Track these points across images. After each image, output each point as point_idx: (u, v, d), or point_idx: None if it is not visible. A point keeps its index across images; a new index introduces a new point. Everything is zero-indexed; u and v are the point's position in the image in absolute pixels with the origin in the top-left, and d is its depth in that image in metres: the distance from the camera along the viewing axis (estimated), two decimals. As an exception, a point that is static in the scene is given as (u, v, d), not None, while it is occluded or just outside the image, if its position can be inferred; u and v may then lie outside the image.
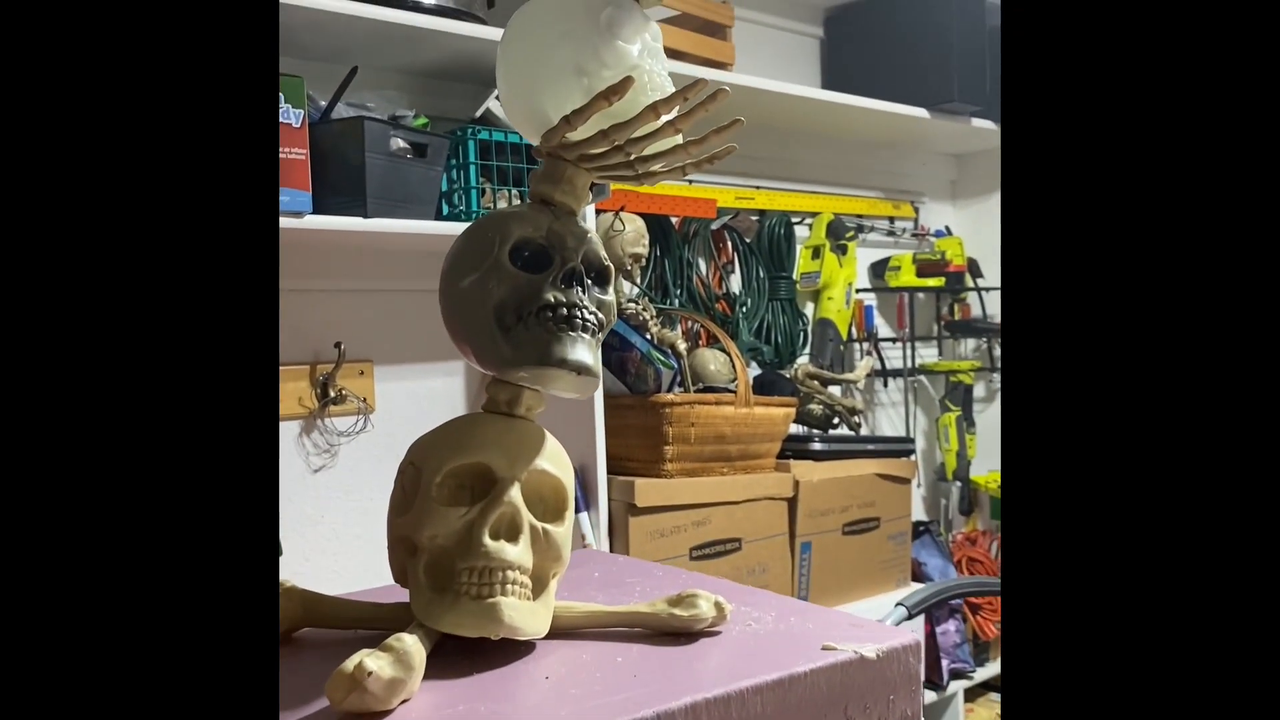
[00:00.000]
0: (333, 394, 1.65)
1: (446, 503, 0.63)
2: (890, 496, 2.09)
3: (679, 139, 0.67)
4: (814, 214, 2.37)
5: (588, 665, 0.60)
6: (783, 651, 0.61)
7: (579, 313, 0.64)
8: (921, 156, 2.67)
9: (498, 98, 1.68)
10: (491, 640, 0.61)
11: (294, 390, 1.63)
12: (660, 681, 0.56)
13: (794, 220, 2.30)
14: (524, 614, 0.61)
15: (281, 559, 1.58)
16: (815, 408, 2.15)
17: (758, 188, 2.26)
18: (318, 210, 1.40)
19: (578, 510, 1.66)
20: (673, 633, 0.65)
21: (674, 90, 0.68)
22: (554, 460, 0.66)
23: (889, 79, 2.27)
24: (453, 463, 0.63)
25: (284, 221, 1.36)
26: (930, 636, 2.23)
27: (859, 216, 2.49)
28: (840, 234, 2.35)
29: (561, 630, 0.66)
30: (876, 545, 2.07)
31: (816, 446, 1.99)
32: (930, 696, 2.23)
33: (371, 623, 0.68)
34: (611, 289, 0.69)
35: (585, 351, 0.64)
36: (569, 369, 0.62)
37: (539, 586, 0.64)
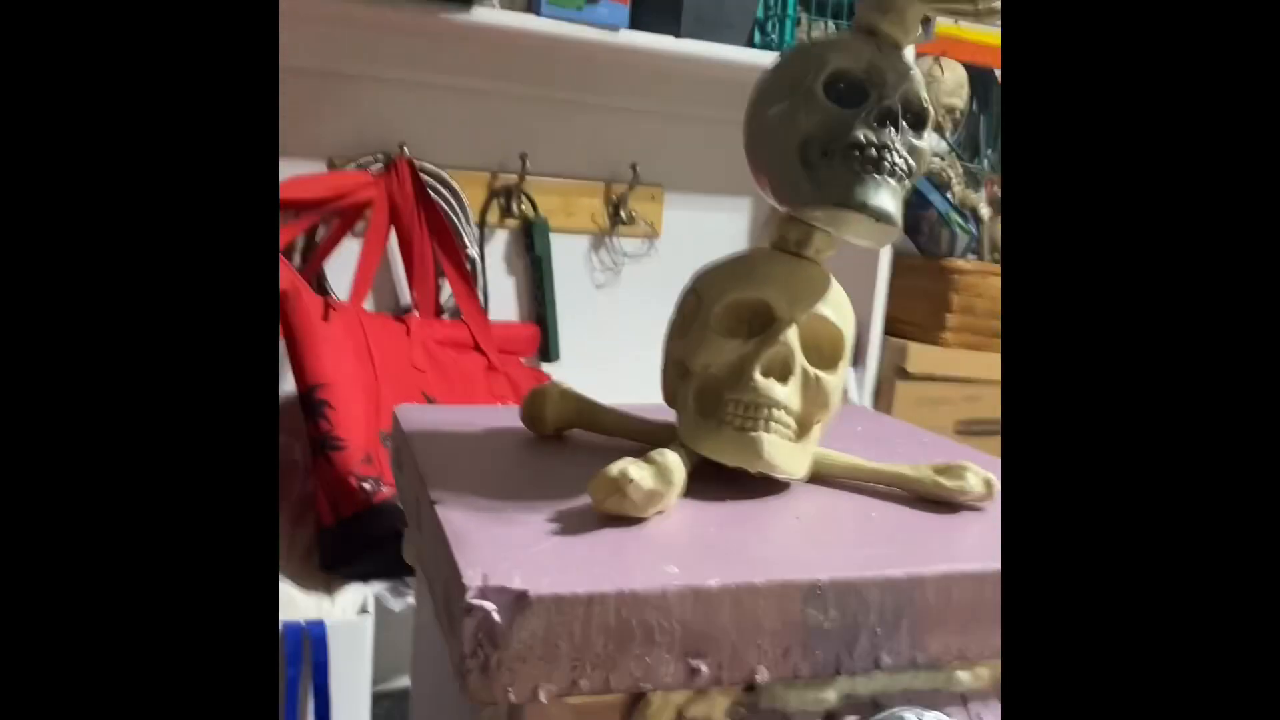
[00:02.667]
0: (623, 215, 1.69)
1: (724, 333, 0.63)
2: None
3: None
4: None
5: (841, 515, 0.60)
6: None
7: (888, 155, 0.61)
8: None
9: (829, -79, 1.58)
10: (749, 473, 0.62)
11: (587, 206, 1.68)
12: (914, 545, 0.55)
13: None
14: (784, 452, 0.61)
15: (560, 365, 1.68)
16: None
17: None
18: (634, 26, 1.40)
19: (846, 364, 1.64)
20: (935, 500, 0.62)
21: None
22: (836, 308, 0.64)
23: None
24: (734, 295, 0.63)
25: (600, 35, 1.38)
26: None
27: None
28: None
29: (820, 477, 0.65)
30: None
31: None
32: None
33: (637, 435, 0.71)
34: (928, 133, 0.65)
35: (889, 197, 0.60)
36: (869, 214, 0.59)
37: (803, 429, 0.64)
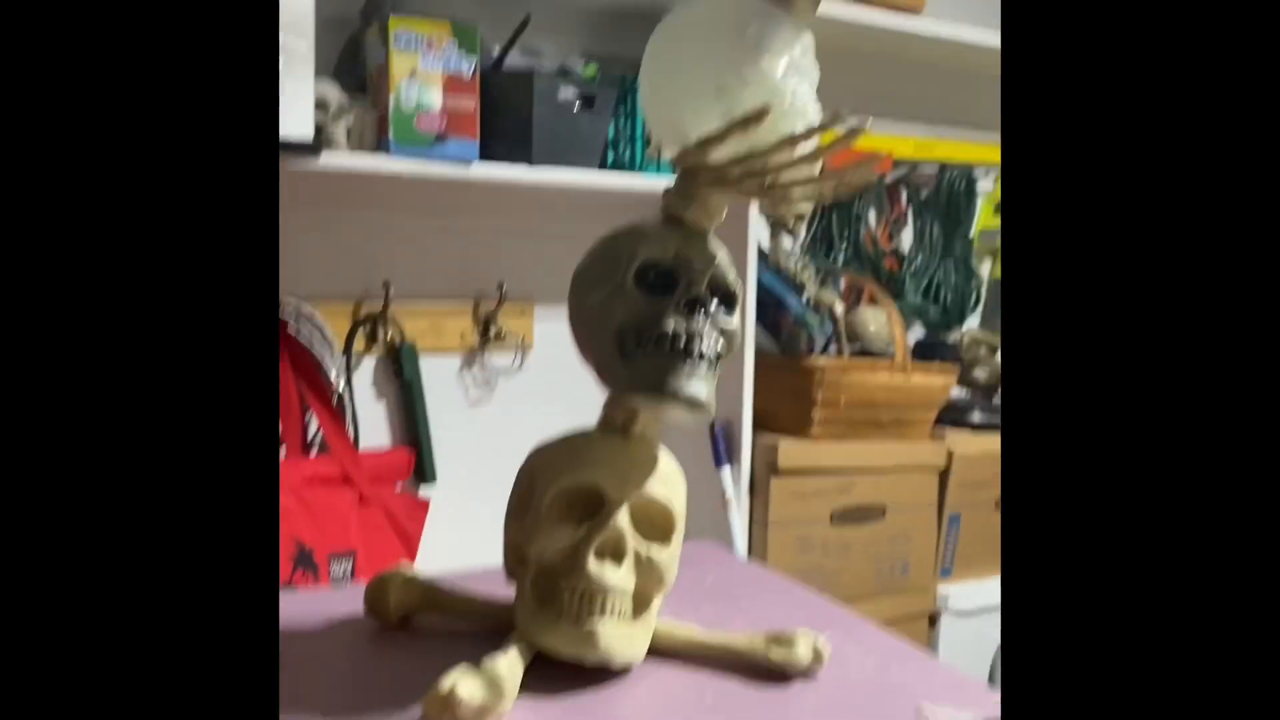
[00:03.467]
0: (493, 332, 1.70)
1: (556, 520, 0.65)
2: (1051, 473, 2.00)
3: (815, 170, 0.64)
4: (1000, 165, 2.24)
5: (677, 699, 0.62)
6: (876, 708, 0.60)
7: (698, 343, 0.64)
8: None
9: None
10: (587, 659, 0.63)
11: (456, 326, 1.69)
12: (743, 727, 0.57)
13: (975, 176, 2.18)
14: (621, 641, 0.63)
15: (436, 488, 1.67)
16: (981, 375, 2.07)
17: (939, 136, 2.15)
18: (484, 157, 1.43)
19: (720, 464, 1.67)
20: (766, 672, 0.65)
21: (815, 115, 0.66)
22: (666, 483, 0.67)
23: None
24: (565, 481, 0.65)
25: (452, 169, 1.40)
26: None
27: (1051, 170, 2.33)
28: (1027, 189, 2.21)
29: (659, 651, 0.67)
30: (1031, 522, 2.00)
31: (976, 418, 1.92)
32: None
33: (483, 619, 0.71)
34: (738, 313, 0.68)
35: (699, 384, 0.63)
36: (680, 403, 0.62)
37: (640, 606, 0.65)
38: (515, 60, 1.51)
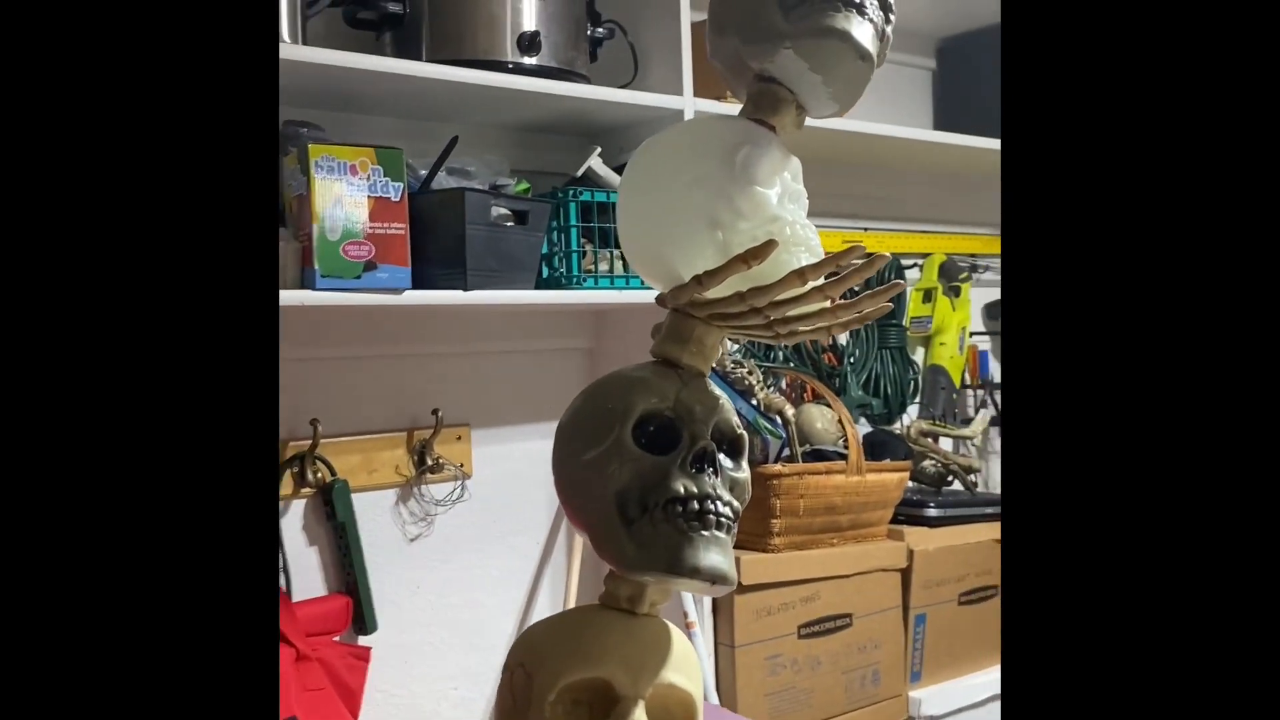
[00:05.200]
0: (430, 461, 1.61)
1: (562, 723, 0.56)
2: (1009, 562, 1.97)
3: (826, 303, 0.59)
4: (925, 255, 2.25)
5: None
6: None
7: (713, 506, 0.57)
8: (1040, 189, 2.52)
9: (600, 155, 1.62)
10: None
11: (391, 459, 1.59)
12: None
13: (905, 264, 2.19)
14: None
15: (377, 632, 1.54)
16: (929, 465, 2.04)
17: (865, 229, 2.15)
18: (416, 281, 1.36)
19: (680, 585, 1.58)
20: None
21: (819, 247, 0.60)
22: (682, 668, 0.59)
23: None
24: (569, 676, 0.56)
25: (383, 298, 1.32)
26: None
27: (972, 256, 2.35)
28: (953, 275, 2.23)
29: None
30: (994, 614, 1.95)
31: (931, 512, 1.88)
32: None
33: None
34: (745, 461, 0.61)
35: (719, 555, 0.56)
36: (702, 579, 0.55)
37: (664, 813, 0.57)
38: (443, 181, 1.45)
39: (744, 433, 0.61)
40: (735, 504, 0.58)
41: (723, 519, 0.57)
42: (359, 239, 1.30)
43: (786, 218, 0.59)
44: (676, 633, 0.61)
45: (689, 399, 0.60)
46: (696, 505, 0.56)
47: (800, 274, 0.56)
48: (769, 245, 0.55)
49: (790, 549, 1.66)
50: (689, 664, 0.60)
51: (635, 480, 0.57)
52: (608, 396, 0.60)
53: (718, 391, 0.61)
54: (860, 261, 0.54)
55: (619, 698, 0.56)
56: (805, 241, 0.60)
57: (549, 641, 0.59)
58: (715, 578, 0.55)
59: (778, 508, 1.62)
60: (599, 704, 0.56)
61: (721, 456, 0.59)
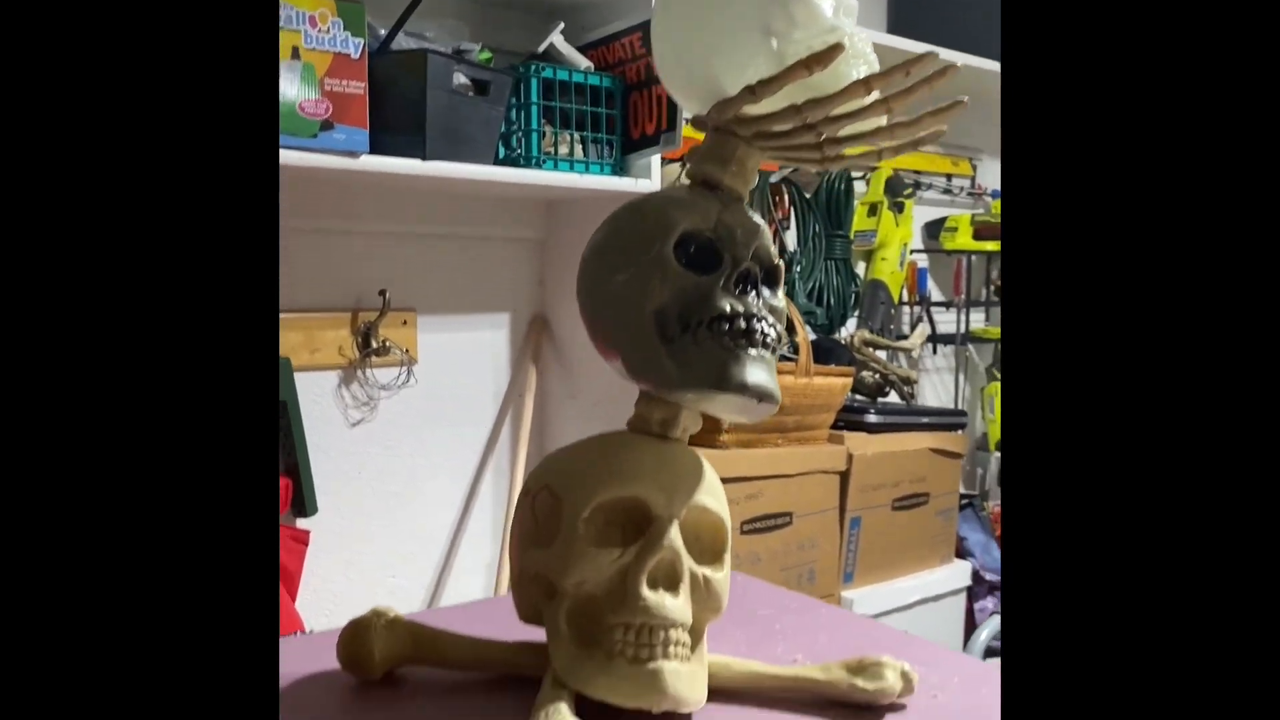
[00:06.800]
0: (375, 344, 1.55)
1: (595, 542, 0.54)
2: (941, 471, 2.01)
3: (883, 120, 0.56)
4: (872, 168, 2.25)
5: (763, 745, 0.52)
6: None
7: (759, 325, 0.54)
8: (983, 111, 2.53)
9: (563, 32, 1.56)
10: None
11: (334, 339, 1.53)
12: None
13: (854, 175, 2.19)
14: (687, 681, 0.52)
15: (317, 516, 1.50)
16: (868, 375, 2.06)
17: (818, 139, 2.14)
18: (374, 149, 1.29)
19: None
20: (851, 704, 0.56)
21: (876, 60, 0.58)
22: (714, 494, 0.57)
23: (959, 24, 2.13)
24: (602, 495, 0.54)
25: (339, 161, 1.25)
26: (969, 613, 2.18)
27: (916, 172, 2.37)
28: (898, 190, 2.23)
29: (716, 691, 0.57)
30: (925, 521, 2.00)
31: (872, 419, 1.91)
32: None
33: (496, 666, 0.59)
34: (781, 292, 0.59)
35: (765, 374, 0.54)
36: (750, 395, 0.53)
37: (695, 640, 0.55)
38: (403, 44, 1.37)
39: (781, 263, 0.59)
40: (779, 326, 0.56)
41: (768, 339, 0.55)
42: (315, 96, 1.22)
43: (844, 28, 0.56)
44: (707, 463, 0.59)
45: (730, 221, 0.57)
46: (743, 323, 0.54)
47: (865, 83, 0.53)
48: (835, 49, 0.52)
49: (737, 446, 1.66)
50: (719, 491, 0.58)
51: (676, 298, 0.54)
52: (646, 215, 0.57)
53: (757, 218, 0.59)
54: (935, 69, 0.51)
55: (653, 517, 0.54)
56: (863, 54, 0.57)
57: (579, 463, 0.56)
58: (762, 394, 0.53)
59: (728, 404, 1.62)
60: (631, 524, 0.54)
61: (761, 284, 0.57)
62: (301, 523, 1.50)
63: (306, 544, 1.48)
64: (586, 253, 0.59)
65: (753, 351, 0.54)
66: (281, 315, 1.46)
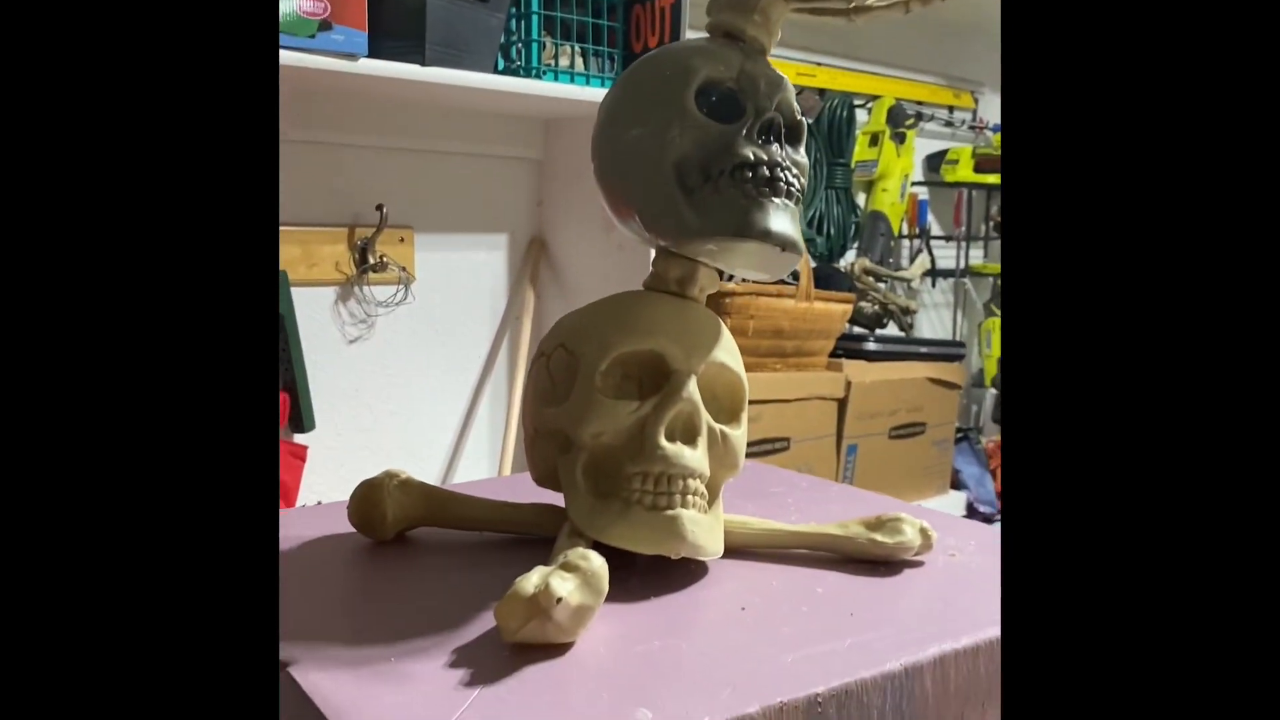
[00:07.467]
0: (372, 260, 1.53)
1: (613, 394, 0.53)
2: (938, 401, 2.01)
3: (913, -35, 0.54)
4: (874, 97, 2.22)
5: (784, 596, 0.51)
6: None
7: (782, 174, 0.53)
8: (986, 42, 2.50)
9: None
10: (663, 558, 0.52)
11: (331, 254, 1.51)
12: (884, 624, 0.47)
13: (856, 103, 2.16)
14: (704, 530, 0.52)
15: (314, 433, 1.49)
16: (867, 305, 2.05)
17: (819, 64, 2.11)
18: (373, 53, 1.26)
19: (627, 399, 1.57)
20: (869, 560, 0.55)
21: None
22: (731, 353, 0.56)
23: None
24: (621, 348, 0.53)
25: (337, 64, 1.22)
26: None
27: (918, 103, 2.34)
28: (900, 120, 2.21)
29: (734, 548, 0.56)
30: (921, 451, 2.00)
31: (870, 347, 1.90)
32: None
33: (511, 526, 0.59)
34: (803, 148, 0.58)
35: (789, 223, 0.53)
36: (773, 242, 0.51)
37: (712, 496, 0.55)
38: (401, -56, 1.34)
39: (804, 119, 0.58)
40: (803, 180, 0.55)
41: (793, 188, 0.53)
42: (314, -7, 1.19)
43: None
44: (722, 322, 0.58)
45: (754, 70, 0.55)
46: (767, 171, 0.52)
47: (896, -78, 0.51)
48: (866, -116, 0.50)
49: (737, 368, 1.65)
50: (736, 351, 0.57)
51: (697, 148, 0.53)
52: (664, 65, 0.55)
53: (780, 72, 0.57)
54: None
55: (672, 371, 0.53)
56: (893, -102, 0.55)
57: (596, 320, 0.55)
58: (785, 243, 0.52)
59: (730, 326, 1.61)
60: (649, 379, 0.53)
61: (785, 138, 0.56)
62: (299, 438, 1.49)
63: (304, 459, 1.48)
64: (601, 112, 0.57)
65: (776, 200, 0.52)
66: (281, 229, 1.43)
